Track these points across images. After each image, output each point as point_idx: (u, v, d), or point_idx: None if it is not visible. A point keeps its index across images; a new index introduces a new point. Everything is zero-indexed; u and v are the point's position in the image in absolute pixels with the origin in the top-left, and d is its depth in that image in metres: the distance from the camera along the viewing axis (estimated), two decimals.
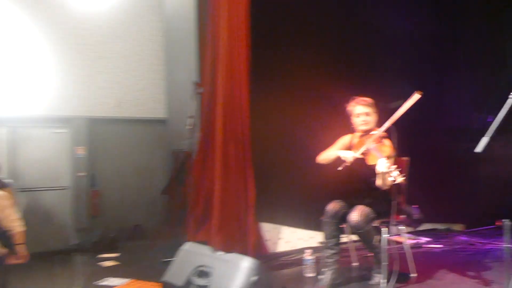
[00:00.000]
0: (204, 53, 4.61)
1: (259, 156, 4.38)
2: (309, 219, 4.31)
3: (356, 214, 3.13)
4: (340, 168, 3.25)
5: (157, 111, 7.08)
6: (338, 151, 3.39)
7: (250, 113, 4.25)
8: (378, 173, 3.07)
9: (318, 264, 3.63)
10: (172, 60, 6.61)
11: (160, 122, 7.02)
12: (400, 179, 2.87)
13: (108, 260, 4.49)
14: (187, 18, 5.39)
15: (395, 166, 2.95)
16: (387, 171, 2.93)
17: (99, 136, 6.91)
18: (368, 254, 3.53)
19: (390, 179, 2.93)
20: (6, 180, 4.61)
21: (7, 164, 6.34)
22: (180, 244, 3.57)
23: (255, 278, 2.58)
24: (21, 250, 3.64)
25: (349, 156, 3.25)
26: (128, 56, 6.97)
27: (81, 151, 6.80)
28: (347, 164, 3.24)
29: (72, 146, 6.79)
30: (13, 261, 3.49)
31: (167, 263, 3.53)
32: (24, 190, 6.32)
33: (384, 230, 3.26)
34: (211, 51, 4.44)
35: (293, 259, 4.26)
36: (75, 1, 6.71)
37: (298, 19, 4.79)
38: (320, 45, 4.85)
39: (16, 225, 3.64)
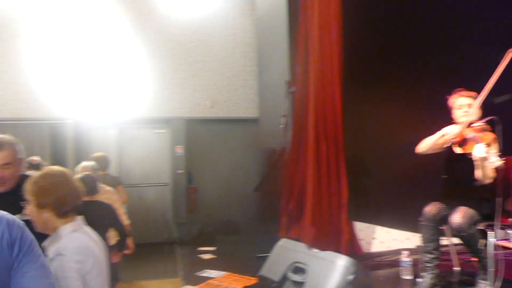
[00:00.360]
0: (296, 53, 4.65)
1: (353, 154, 4.33)
2: (405, 219, 4.16)
3: (459, 216, 2.95)
4: (447, 145, 3.08)
5: (250, 110, 7.29)
6: (441, 131, 3.22)
7: (344, 111, 4.21)
8: (476, 160, 2.86)
9: (416, 266, 3.50)
10: (264, 61, 6.75)
11: (253, 121, 7.22)
12: (498, 163, 2.66)
13: (206, 253, 4.73)
14: (278, 20, 5.47)
15: (494, 151, 2.74)
16: (485, 155, 2.72)
17: (195, 136, 7.30)
18: (472, 259, 3.31)
19: (488, 164, 2.72)
20: (116, 177, 5.08)
21: (116, 162, 6.97)
22: (273, 240, 3.65)
23: (351, 277, 2.57)
24: (129, 241, 4.03)
25: (453, 130, 3.07)
26: (222, 59, 7.27)
27: (179, 150, 7.23)
28: (454, 140, 3.06)
29: (172, 145, 7.25)
30: (122, 252, 3.86)
31: (261, 258, 3.63)
32: (130, 186, 6.89)
33: (490, 233, 3.05)
34: (303, 51, 4.47)
35: (388, 260, 4.14)
36: (173, 9, 7.13)
37: (392, 15, 4.64)
38: (415, 41, 4.65)
39: (123, 218, 4.04)
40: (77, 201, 1.91)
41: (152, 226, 6.93)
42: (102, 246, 2.00)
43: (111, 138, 7.16)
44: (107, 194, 3.97)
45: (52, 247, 1.80)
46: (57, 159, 6.44)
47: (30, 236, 1.46)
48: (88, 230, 1.97)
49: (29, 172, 5.16)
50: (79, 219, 1.93)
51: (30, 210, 1.84)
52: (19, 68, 6.65)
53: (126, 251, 4.15)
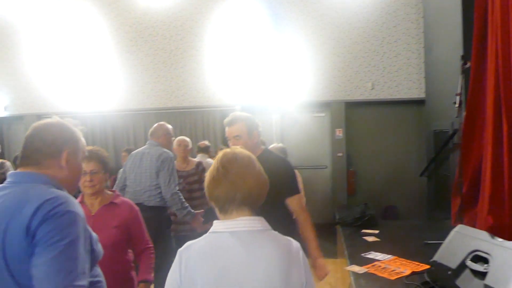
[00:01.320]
0: (470, 27, 4.24)
1: None
2: None
3: None
4: None
5: (414, 91, 6.94)
6: None
7: None
8: None
9: None
10: (431, 36, 6.32)
11: (417, 102, 6.86)
12: None
13: (370, 235, 4.69)
14: None
15: None
16: None
17: (355, 118, 7.26)
18: None
19: None
20: None
21: None
22: (440, 227, 3.44)
23: None
24: None
25: None
26: (383, 38, 7.04)
27: (339, 133, 7.28)
28: None
29: (331, 128, 7.34)
30: None
31: (430, 245, 3.47)
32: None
33: None
34: (480, 23, 4.06)
35: None
36: None
37: None
38: None
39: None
40: (249, 196, 1.45)
41: (314, 207, 7.14)
42: (281, 254, 1.49)
43: (274, 122, 7.58)
44: None
45: None
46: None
47: (58, 223, 1.33)
48: (259, 236, 1.46)
49: (198, 156, 5.82)
50: (243, 220, 1.46)
51: None
52: (196, 61, 7.48)
53: None
